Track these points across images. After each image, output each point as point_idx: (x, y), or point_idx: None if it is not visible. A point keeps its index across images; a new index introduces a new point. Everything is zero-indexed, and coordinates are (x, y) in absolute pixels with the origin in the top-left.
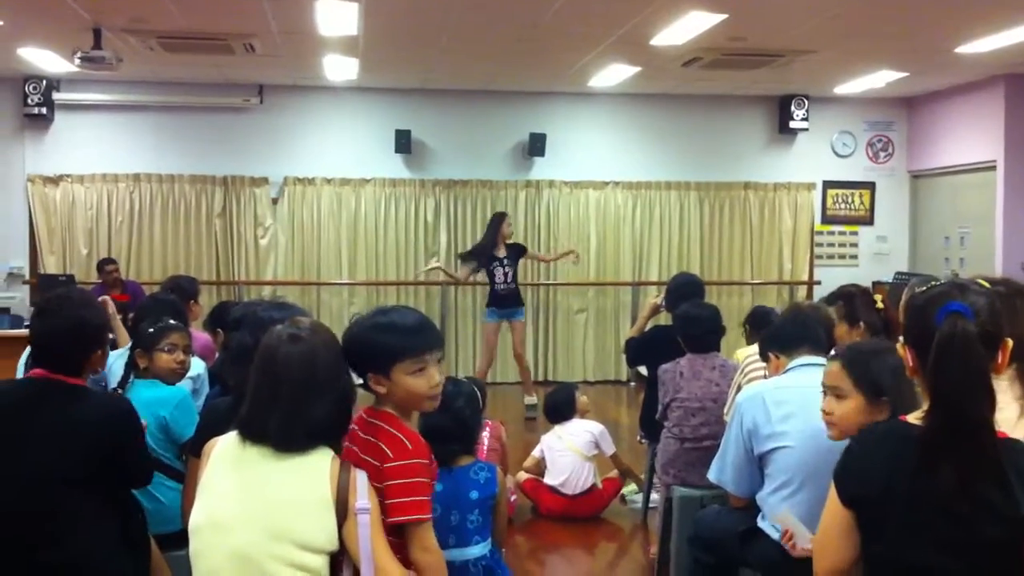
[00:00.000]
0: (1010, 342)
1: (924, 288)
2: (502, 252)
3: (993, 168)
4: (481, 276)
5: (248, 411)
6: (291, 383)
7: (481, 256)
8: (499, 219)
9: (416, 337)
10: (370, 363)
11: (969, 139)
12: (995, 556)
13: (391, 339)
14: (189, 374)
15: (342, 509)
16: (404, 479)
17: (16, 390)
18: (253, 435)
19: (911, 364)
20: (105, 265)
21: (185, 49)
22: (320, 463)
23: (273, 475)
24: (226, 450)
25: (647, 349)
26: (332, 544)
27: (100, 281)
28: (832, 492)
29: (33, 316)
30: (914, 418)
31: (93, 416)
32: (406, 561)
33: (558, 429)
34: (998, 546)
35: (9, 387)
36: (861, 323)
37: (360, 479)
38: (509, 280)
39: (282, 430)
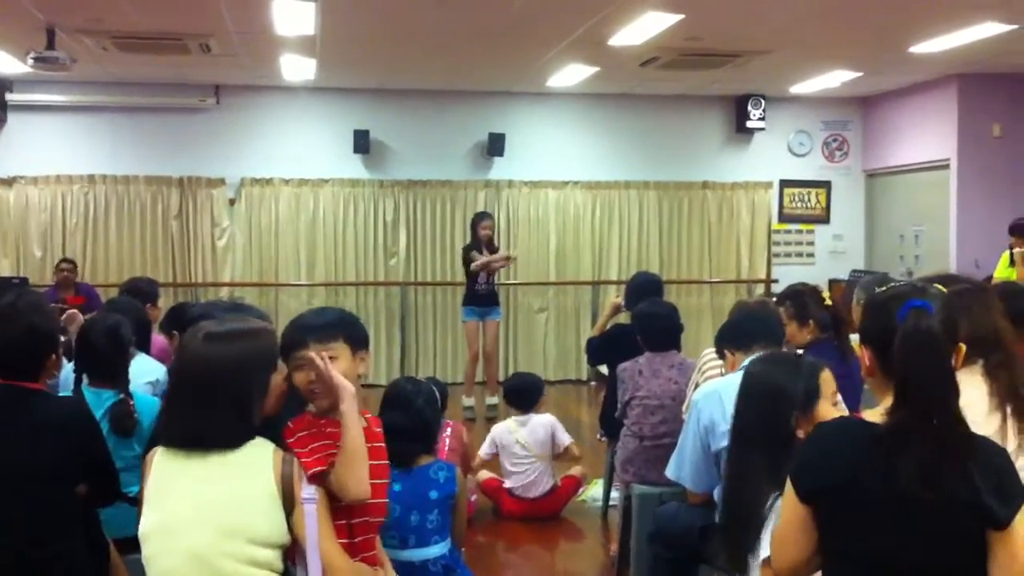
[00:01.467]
0: (963, 347)
1: (884, 288)
2: (485, 254)
3: (946, 167)
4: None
5: (167, 414)
6: (192, 384)
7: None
8: (474, 221)
9: (295, 332)
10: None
11: (923, 138)
12: (958, 547)
13: (283, 337)
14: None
15: (288, 500)
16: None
17: None
18: (173, 440)
19: (867, 364)
20: (60, 263)
21: (140, 49)
22: (262, 458)
23: (215, 474)
24: (166, 455)
25: (608, 348)
26: (283, 537)
27: (53, 283)
28: (789, 488)
29: None
30: (873, 415)
31: (57, 419)
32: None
33: (514, 427)
34: (961, 537)
35: None
36: (811, 321)
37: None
38: (490, 281)
39: (189, 432)
